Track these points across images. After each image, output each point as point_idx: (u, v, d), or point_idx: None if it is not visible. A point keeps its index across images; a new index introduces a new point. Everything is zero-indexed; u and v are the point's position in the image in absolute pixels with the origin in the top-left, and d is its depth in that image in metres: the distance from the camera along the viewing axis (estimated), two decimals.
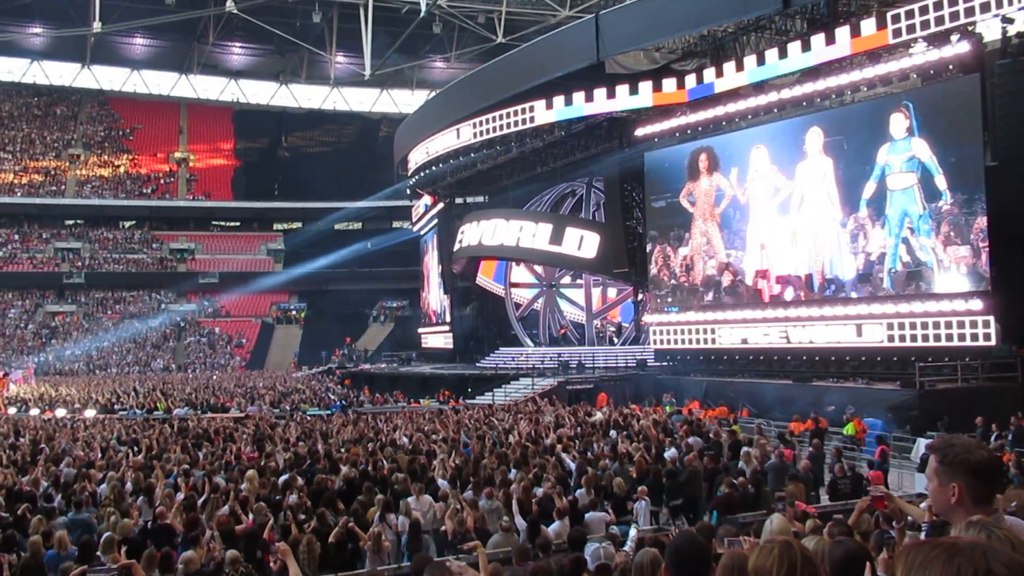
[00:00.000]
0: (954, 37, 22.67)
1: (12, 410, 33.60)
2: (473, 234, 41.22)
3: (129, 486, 12.63)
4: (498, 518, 10.38)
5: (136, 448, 17.84)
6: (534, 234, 38.03)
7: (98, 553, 9.18)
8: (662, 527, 10.83)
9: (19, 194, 69.45)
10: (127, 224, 73.48)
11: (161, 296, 70.43)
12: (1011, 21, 22.62)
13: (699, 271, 30.48)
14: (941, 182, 23.08)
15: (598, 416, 22.22)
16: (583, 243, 36.38)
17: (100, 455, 16.98)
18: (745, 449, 15.14)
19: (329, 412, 29.72)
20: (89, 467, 14.60)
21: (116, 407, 33.27)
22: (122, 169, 73.79)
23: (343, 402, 33.84)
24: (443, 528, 10.70)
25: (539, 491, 11.68)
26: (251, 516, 10.58)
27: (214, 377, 52.95)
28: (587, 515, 10.91)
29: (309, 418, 26.98)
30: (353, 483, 12.76)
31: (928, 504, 4.08)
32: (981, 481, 2.89)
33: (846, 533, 5.70)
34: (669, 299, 31.66)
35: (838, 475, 14.17)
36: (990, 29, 23.64)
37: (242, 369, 61.81)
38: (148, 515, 11.05)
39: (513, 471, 13.20)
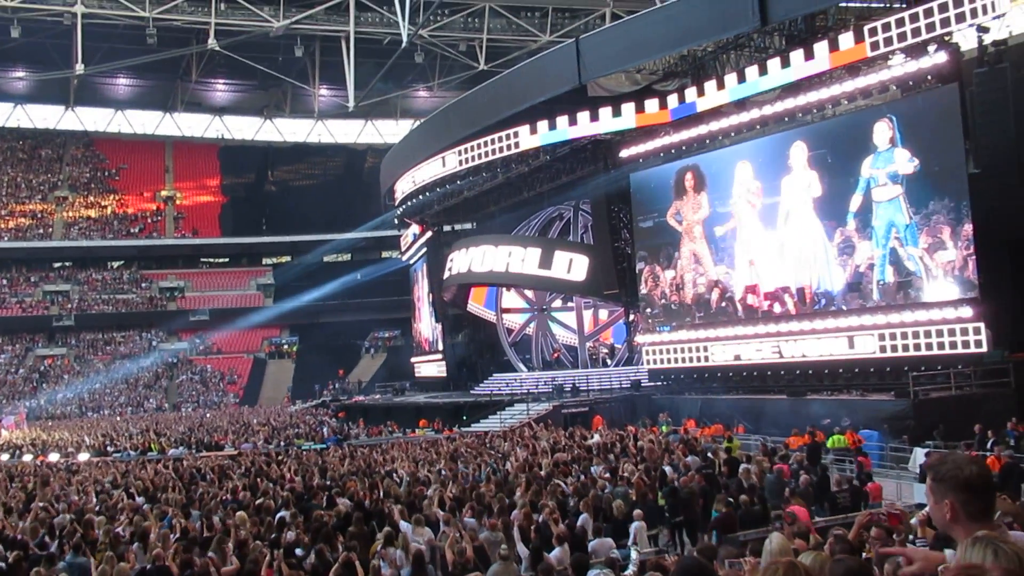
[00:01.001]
0: (931, 48, 22.88)
1: (5, 456, 33.30)
2: (462, 261, 41.27)
3: (122, 530, 12.50)
4: (498, 547, 10.31)
5: (131, 491, 17.68)
6: (523, 259, 38.06)
7: None
8: (662, 549, 10.78)
9: (6, 238, 69.19)
10: (115, 264, 73.31)
11: (152, 335, 70.14)
12: (986, 30, 22.84)
13: (689, 289, 30.53)
14: (906, 167, 23.39)
15: (595, 439, 22.15)
16: (572, 266, 36.42)
17: (95, 499, 16.83)
18: (744, 466, 15.10)
19: (324, 446, 29.56)
20: (83, 513, 14.44)
21: (110, 449, 33.04)
22: (109, 209, 73.64)
23: (337, 436, 33.66)
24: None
25: (539, 518, 11.62)
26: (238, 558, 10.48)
27: (208, 415, 52.66)
28: (591, 543, 10.84)
29: (304, 453, 26.81)
30: (351, 517, 12.67)
31: (919, 519, 4.06)
32: (972, 496, 2.90)
33: (847, 550, 5.68)
34: (661, 319, 31.68)
35: (836, 488, 14.15)
36: (966, 39, 23.89)
37: (235, 406, 61.46)
38: (143, 559, 10.96)
39: (511, 498, 13.13)
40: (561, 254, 37.28)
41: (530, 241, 40.01)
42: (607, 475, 15.20)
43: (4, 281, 69.19)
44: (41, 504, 16.24)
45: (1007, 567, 2.48)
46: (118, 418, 54.93)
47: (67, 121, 78.07)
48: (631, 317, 36.31)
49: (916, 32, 22.57)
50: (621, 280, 34.69)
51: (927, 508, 3.15)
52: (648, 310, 32.44)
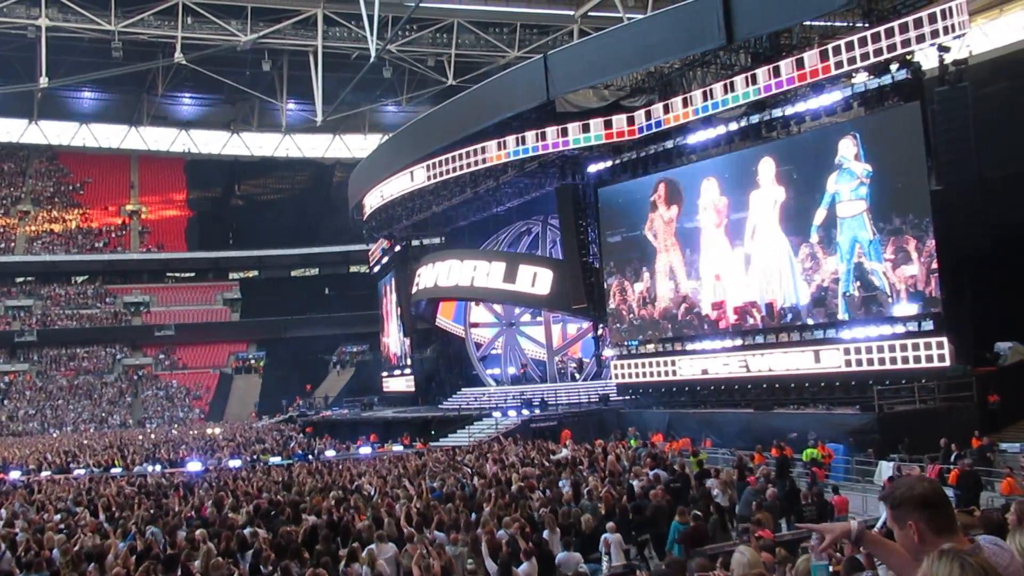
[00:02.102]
0: (894, 67, 23.24)
1: None
2: (429, 276, 41.30)
3: (77, 551, 12.24)
4: (464, 563, 10.27)
5: (93, 508, 17.41)
6: (488, 273, 38.19)
7: None
8: (631, 564, 10.77)
9: None
10: (79, 279, 72.34)
11: (116, 351, 69.26)
12: (947, 50, 23.22)
13: (659, 303, 30.67)
14: (859, 167, 23.82)
15: (563, 453, 22.13)
16: (536, 280, 36.57)
17: (55, 517, 16.54)
18: (712, 480, 15.17)
19: (290, 462, 29.30)
20: (42, 531, 14.18)
21: (72, 466, 32.51)
22: (73, 224, 72.78)
23: (304, 452, 33.34)
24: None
25: (506, 533, 11.57)
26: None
27: (173, 431, 52.01)
28: (559, 556, 10.84)
29: (271, 468, 26.57)
30: (317, 533, 12.56)
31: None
32: (933, 511, 2.91)
33: None
34: (629, 333, 31.79)
35: (804, 501, 14.25)
36: (928, 58, 24.28)
37: (201, 421, 60.81)
38: None
39: (479, 513, 13.07)
40: (525, 268, 37.39)
41: (495, 255, 40.06)
42: (569, 490, 15.15)
43: None
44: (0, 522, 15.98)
45: None
46: (81, 435, 54.12)
47: (31, 135, 77.07)
48: (599, 331, 36.38)
49: (878, 51, 22.95)
50: (590, 294, 34.73)
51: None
52: (616, 325, 32.55)
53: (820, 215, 25.17)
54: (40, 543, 12.45)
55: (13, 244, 70.07)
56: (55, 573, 10.91)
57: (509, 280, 37.29)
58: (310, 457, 31.08)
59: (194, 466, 29.82)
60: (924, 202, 22.98)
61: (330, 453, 32.90)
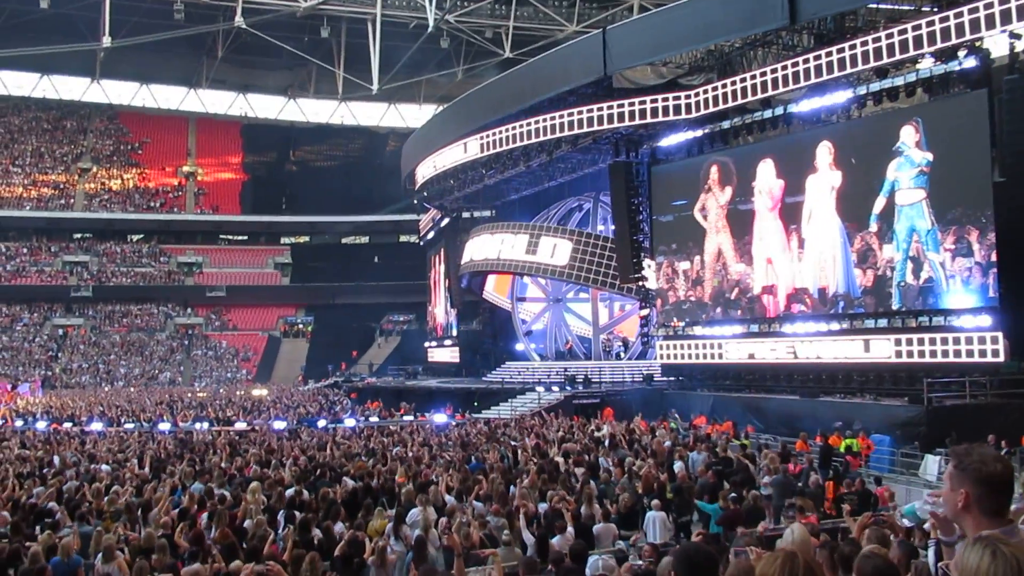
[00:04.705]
0: (961, 53, 22.61)
1: (19, 423, 33.62)
2: (470, 250, 42.01)
3: (125, 501, 12.54)
4: (502, 532, 10.33)
5: (141, 461, 17.81)
6: (513, 245, 39.06)
7: (97, 562, 9.25)
8: (668, 543, 10.76)
9: (28, 208, 69.76)
10: (135, 237, 73.69)
11: (168, 309, 70.56)
12: (1019, 37, 22.56)
13: (707, 286, 30.42)
14: (919, 155, 23.39)
15: (605, 430, 22.14)
16: (556, 251, 37.14)
17: (105, 468, 16.94)
18: (761, 463, 15.13)
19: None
20: (93, 480, 14.56)
21: (123, 420, 33.27)
22: (131, 183, 74.10)
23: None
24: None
25: (545, 506, 11.64)
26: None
27: (221, 391, 52.93)
28: (596, 527, 10.89)
29: (315, 431, 26.95)
30: (358, 495, 12.73)
31: (932, 524, 4.01)
32: (990, 492, 2.87)
33: (855, 549, 5.64)
34: (676, 314, 31.59)
35: (845, 490, 14.13)
36: (998, 45, 23.58)
37: (248, 383, 61.79)
38: (144, 529, 11.03)
39: (518, 485, 13.13)
40: (546, 239, 38.14)
41: (521, 228, 40.43)
42: (613, 467, 15.16)
43: (24, 250, 69.70)
44: (52, 471, 16.42)
45: (1004, 571, 2.46)
46: (132, 390, 55.33)
47: (92, 93, 78.46)
48: (646, 311, 36.20)
49: (946, 36, 22.29)
50: (639, 273, 34.52)
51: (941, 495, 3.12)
52: (664, 305, 32.37)
53: (880, 203, 24.63)
54: (96, 493, 12.76)
55: (72, 200, 71.50)
56: (88, 520, 11.19)
57: (531, 251, 38.04)
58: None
59: (239, 426, 30.36)
60: (986, 193, 22.40)
61: (373, 419, 33.22)
